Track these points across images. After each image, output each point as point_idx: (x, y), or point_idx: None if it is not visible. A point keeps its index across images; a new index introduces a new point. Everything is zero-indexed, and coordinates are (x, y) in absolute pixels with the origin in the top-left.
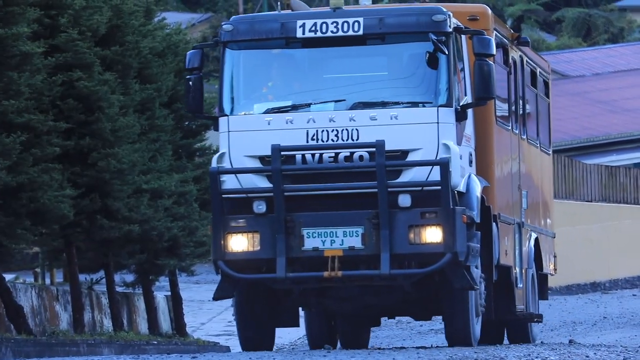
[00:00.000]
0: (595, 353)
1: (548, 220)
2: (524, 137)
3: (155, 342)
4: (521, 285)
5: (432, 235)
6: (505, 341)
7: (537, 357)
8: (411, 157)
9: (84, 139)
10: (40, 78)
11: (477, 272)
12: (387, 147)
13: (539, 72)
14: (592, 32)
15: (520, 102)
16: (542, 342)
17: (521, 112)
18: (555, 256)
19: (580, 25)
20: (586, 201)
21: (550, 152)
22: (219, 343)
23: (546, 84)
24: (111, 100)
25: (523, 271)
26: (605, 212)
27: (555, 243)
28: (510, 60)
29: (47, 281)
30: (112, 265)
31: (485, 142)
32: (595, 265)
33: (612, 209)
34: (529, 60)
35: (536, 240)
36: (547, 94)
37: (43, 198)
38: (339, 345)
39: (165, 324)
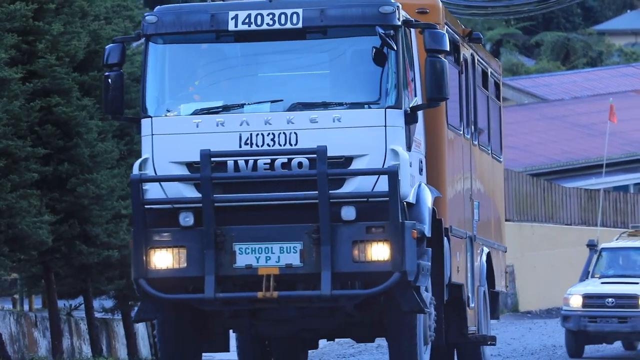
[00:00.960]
0: None
1: (500, 233)
2: (476, 143)
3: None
4: (473, 305)
5: (379, 252)
6: None
7: None
8: (356, 165)
9: (63, 164)
10: (18, 104)
11: (427, 294)
12: (329, 153)
13: (491, 72)
14: (571, 56)
15: (472, 104)
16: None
17: (473, 116)
18: (506, 272)
19: (559, 49)
20: (566, 224)
21: (502, 160)
22: None
23: (497, 86)
24: (89, 126)
25: (475, 289)
26: (584, 235)
27: (507, 258)
28: (462, 59)
29: (26, 307)
30: (91, 291)
31: (436, 147)
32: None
33: (591, 232)
34: (480, 59)
35: (488, 255)
36: (498, 97)
37: (21, 224)
38: None
39: (144, 349)
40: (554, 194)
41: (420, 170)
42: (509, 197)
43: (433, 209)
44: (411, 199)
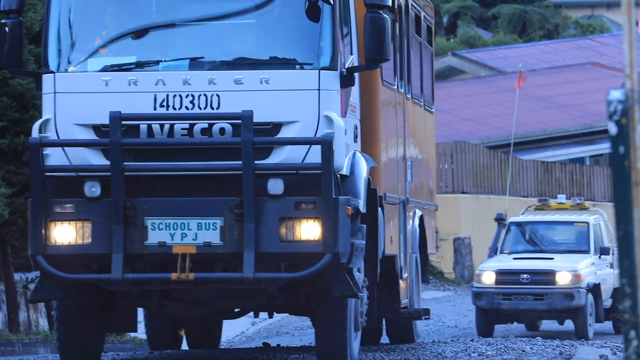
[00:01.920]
0: (531, 348)
1: (431, 191)
2: (409, 96)
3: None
4: (406, 276)
5: (309, 231)
6: (385, 339)
7: (474, 352)
8: (285, 132)
9: (19, 137)
10: None
11: (360, 275)
12: (256, 119)
13: (424, 16)
14: (528, 29)
15: (406, 55)
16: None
17: (407, 67)
18: (437, 232)
19: (515, 22)
20: (522, 197)
21: (434, 110)
22: None
23: (429, 30)
24: None
25: (407, 258)
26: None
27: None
28: (396, 5)
29: None
30: None
31: (370, 109)
32: None
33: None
34: (414, 4)
35: (421, 218)
36: (430, 42)
37: None
38: (184, 344)
39: None
40: (511, 166)
41: (355, 137)
42: (466, 170)
43: (368, 179)
44: (345, 170)
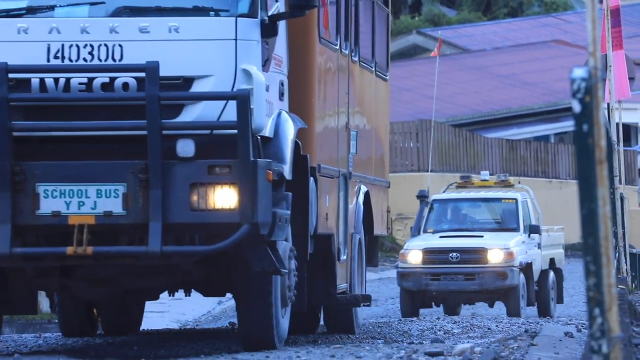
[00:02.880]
0: (497, 325)
1: (382, 166)
2: (356, 59)
3: (57, 321)
4: (345, 258)
5: (224, 198)
6: (322, 327)
7: (439, 330)
8: (197, 87)
9: None
10: None
11: (285, 249)
12: (164, 72)
13: None
14: (492, 7)
15: (353, 12)
16: (444, 315)
17: (353, 26)
18: (388, 211)
19: (480, 0)
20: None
21: (388, 77)
22: None
23: None
24: None
25: (348, 238)
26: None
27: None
28: None
29: None
30: None
31: (303, 67)
32: None
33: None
34: None
35: (367, 194)
36: (386, 2)
37: None
38: (100, 330)
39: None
40: (476, 145)
41: (281, 95)
42: (431, 148)
43: (297, 143)
44: (268, 131)
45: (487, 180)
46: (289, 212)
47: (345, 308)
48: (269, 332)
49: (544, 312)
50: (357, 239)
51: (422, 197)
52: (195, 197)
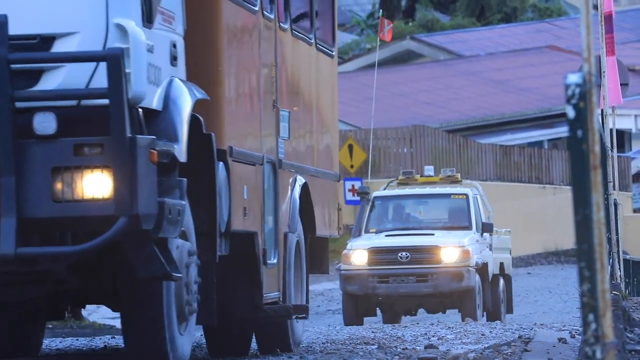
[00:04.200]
0: (490, 331)
1: (330, 156)
2: (286, 27)
3: (50, 326)
4: (275, 261)
5: (95, 185)
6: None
7: (433, 336)
8: (60, 47)
9: None
10: None
11: (182, 249)
12: (15, 30)
13: None
14: (486, 12)
15: None
16: (438, 321)
17: None
18: (339, 209)
19: (473, 5)
20: (481, 180)
21: (335, 53)
22: (115, 326)
23: None
24: None
25: (280, 238)
26: (500, 191)
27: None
28: None
29: None
30: None
31: (207, 26)
32: None
33: (506, 188)
34: None
35: (305, 188)
36: None
37: None
38: None
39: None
40: (470, 150)
41: (174, 59)
42: (425, 153)
43: (196, 118)
44: (155, 103)
45: (431, 176)
46: (185, 202)
47: (280, 324)
48: (160, 353)
49: (493, 316)
50: (294, 240)
51: (363, 194)
52: (58, 185)
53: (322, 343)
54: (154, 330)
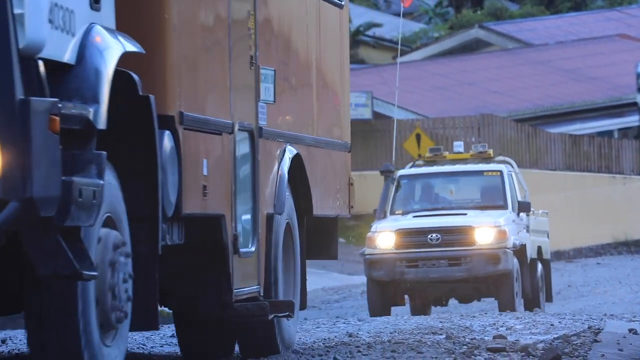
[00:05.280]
0: (560, 322)
1: (339, 122)
2: None
3: None
4: (252, 249)
5: None
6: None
7: (502, 326)
8: None
9: None
10: None
11: (106, 239)
12: None
13: None
14: (555, 0)
15: None
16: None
17: None
18: (351, 183)
19: None
20: (550, 170)
21: (345, 3)
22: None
23: None
24: None
25: (261, 221)
26: (569, 181)
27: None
28: None
29: None
30: None
31: None
32: (560, 234)
33: (575, 178)
34: None
35: (297, 160)
36: None
37: None
38: None
39: None
40: (538, 140)
41: (95, 1)
42: (493, 143)
43: (127, 75)
44: (67, 55)
45: (461, 153)
46: (102, 182)
47: (266, 324)
48: None
49: (533, 305)
50: (281, 223)
51: (387, 172)
52: None
53: (390, 333)
54: (67, 341)
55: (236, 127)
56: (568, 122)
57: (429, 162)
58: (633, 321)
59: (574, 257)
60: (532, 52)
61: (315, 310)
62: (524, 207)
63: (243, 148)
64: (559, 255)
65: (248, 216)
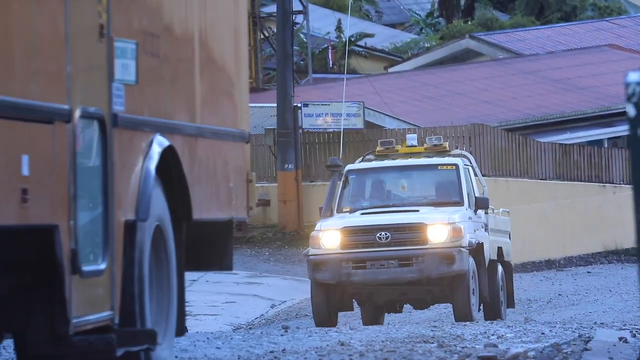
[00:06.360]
0: (550, 330)
1: (232, 110)
2: None
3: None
4: (101, 267)
5: None
6: None
7: (493, 335)
8: None
9: None
10: None
11: None
12: None
13: None
14: (545, 11)
15: None
16: (497, 319)
17: None
18: (250, 180)
19: (533, 4)
20: (540, 179)
21: None
22: None
23: None
24: None
25: (117, 230)
26: (559, 190)
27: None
28: None
29: None
30: None
31: None
32: (550, 243)
33: (566, 187)
34: None
35: (170, 153)
36: None
37: None
38: None
39: None
40: (529, 149)
41: None
42: (484, 152)
43: None
44: None
45: (415, 146)
46: None
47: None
48: None
49: (492, 317)
50: (147, 231)
51: (334, 167)
52: None
53: (382, 341)
54: None
55: (76, 114)
56: (558, 132)
57: (380, 156)
58: (623, 329)
59: (564, 265)
60: (522, 62)
61: (308, 319)
62: (481, 203)
63: (88, 140)
64: (549, 264)
65: (96, 225)
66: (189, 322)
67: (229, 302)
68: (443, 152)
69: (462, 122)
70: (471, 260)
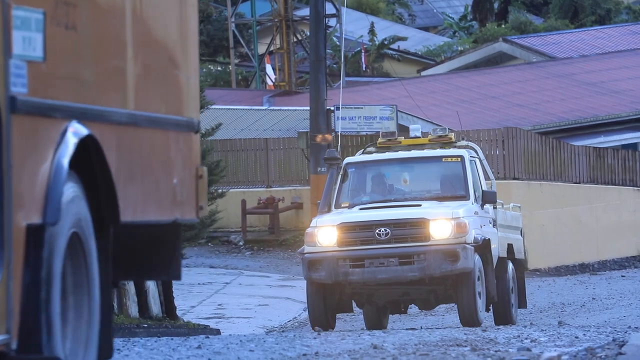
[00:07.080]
0: (584, 334)
1: (176, 94)
2: None
3: (146, 325)
4: None
5: None
6: None
7: (526, 339)
8: None
9: None
10: None
11: None
12: None
13: None
14: (579, 14)
15: None
16: (531, 323)
17: None
18: (200, 176)
19: (567, 7)
20: (574, 183)
21: None
22: (209, 326)
23: None
24: None
25: (16, 237)
26: (593, 193)
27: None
28: None
29: None
30: None
31: None
32: (584, 247)
33: (600, 191)
34: None
35: (89, 143)
36: None
37: None
38: None
39: (155, 307)
40: (563, 153)
41: None
42: (517, 156)
43: None
44: None
45: (418, 137)
46: None
47: None
48: None
49: (502, 318)
50: (60, 237)
51: (332, 160)
52: None
53: (415, 344)
54: None
55: None
56: (592, 135)
57: (382, 149)
58: None
59: (598, 269)
60: (556, 65)
61: (340, 322)
62: (489, 197)
63: None
64: (583, 268)
65: None
66: (222, 325)
67: (261, 304)
68: (448, 144)
69: (495, 125)
70: (477, 257)
